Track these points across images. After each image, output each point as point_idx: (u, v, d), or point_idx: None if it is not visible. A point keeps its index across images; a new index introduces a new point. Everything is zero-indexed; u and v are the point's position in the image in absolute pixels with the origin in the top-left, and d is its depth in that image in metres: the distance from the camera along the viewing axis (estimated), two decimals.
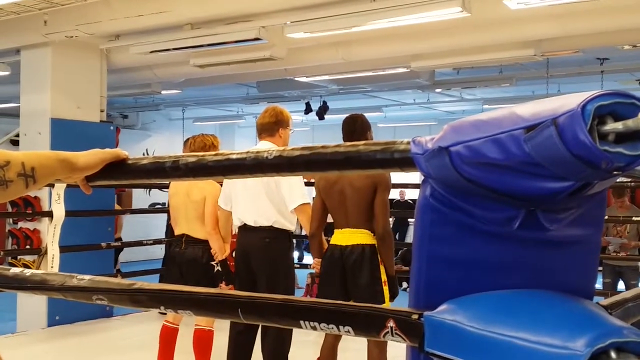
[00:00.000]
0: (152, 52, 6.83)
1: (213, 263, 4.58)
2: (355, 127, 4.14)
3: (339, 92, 11.09)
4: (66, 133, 6.95)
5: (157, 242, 7.96)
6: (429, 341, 1.14)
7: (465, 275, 1.18)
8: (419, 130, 14.54)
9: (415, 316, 1.18)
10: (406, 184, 7.87)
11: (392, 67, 8.08)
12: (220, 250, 4.54)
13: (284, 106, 4.49)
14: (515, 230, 1.13)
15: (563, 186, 1.01)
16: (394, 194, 12.83)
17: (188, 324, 4.73)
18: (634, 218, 6.76)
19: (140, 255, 11.68)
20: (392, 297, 4.06)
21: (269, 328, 4.07)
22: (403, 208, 13.13)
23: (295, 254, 12.02)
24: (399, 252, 9.91)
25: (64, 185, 5.38)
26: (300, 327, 1.34)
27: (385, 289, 3.99)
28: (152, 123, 15.52)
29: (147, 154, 13.33)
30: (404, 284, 8.38)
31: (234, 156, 1.44)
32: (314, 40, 6.59)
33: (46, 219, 6.36)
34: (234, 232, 4.62)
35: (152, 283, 1.66)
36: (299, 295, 8.36)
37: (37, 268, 5.96)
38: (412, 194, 13.03)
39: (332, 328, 1.29)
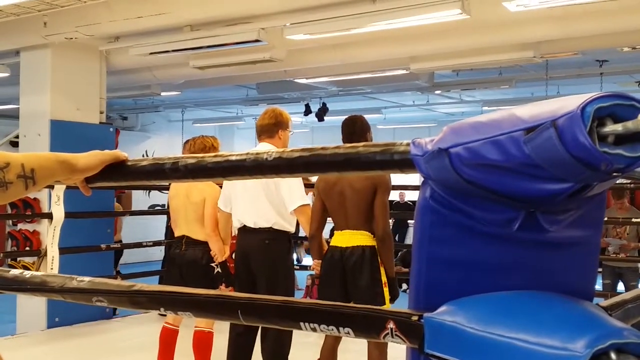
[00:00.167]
0: (151, 53, 6.83)
1: (213, 265, 4.58)
2: (355, 128, 4.14)
3: (339, 94, 11.10)
4: (66, 134, 6.95)
5: (156, 243, 7.96)
6: (429, 342, 1.15)
7: (465, 277, 1.18)
8: (418, 132, 14.55)
9: (415, 317, 1.18)
10: (406, 186, 7.87)
11: (392, 68, 8.08)
12: (220, 251, 4.54)
13: (283, 108, 4.49)
14: (514, 232, 1.13)
15: (562, 188, 1.01)
16: (394, 196, 12.83)
17: (188, 325, 4.73)
18: (633, 219, 6.76)
19: (139, 257, 11.67)
20: (393, 299, 4.06)
21: (269, 330, 4.07)
22: (403, 209, 13.13)
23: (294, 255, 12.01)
24: (399, 254, 9.90)
25: (64, 186, 5.38)
26: (300, 328, 1.34)
27: (386, 290, 3.99)
28: (152, 125, 15.52)
29: (147, 156, 13.34)
30: (404, 285, 8.37)
31: (234, 158, 1.44)
32: (313, 42, 6.60)
33: (46, 221, 6.36)
34: (233, 234, 4.62)
35: (151, 285, 1.66)
36: (298, 296, 8.36)
37: (37, 270, 5.96)
38: (412, 196, 13.03)
39: (332, 329, 1.29)
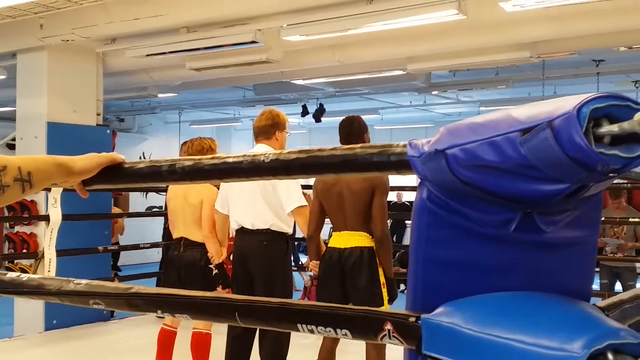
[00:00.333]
0: (148, 55, 6.83)
1: (211, 266, 4.57)
2: (353, 129, 4.14)
3: (336, 95, 11.11)
4: (63, 137, 6.95)
5: (154, 245, 7.94)
6: (427, 344, 1.15)
7: (462, 278, 1.18)
8: (415, 133, 14.56)
9: (412, 319, 1.18)
10: (403, 187, 7.88)
11: (389, 69, 8.09)
12: (217, 253, 4.54)
13: (280, 109, 4.49)
14: (511, 233, 1.13)
15: (559, 188, 1.02)
16: (392, 196, 12.85)
17: (186, 327, 4.73)
18: (630, 219, 6.77)
19: (136, 259, 11.66)
20: (391, 300, 4.06)
21: (267, 331, 4.07)
22: (400, 210, 13.14)
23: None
24: (397, 254, 9.90)
25: (61, 189, 5.38)
26: (298, 330, 1.34)
27: (384, 291, 3.99)
28: (149, 126, 15.51)
29: (144, 157, 13.35)
30: (402, 286, 8.37)
31: (231, 159, 1.44)
32: (310, 43, 6.60)
33: (43, 223, 6.35)
34: (231, 235, 4.62)
35: (149, 287, 1.66)
36: (296, 298, 8.36)
37: (34, 272, 5.95)
38: (410, 196, 13.03)
39: (330, 331, 1.29)
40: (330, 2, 5.51)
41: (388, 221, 4.20)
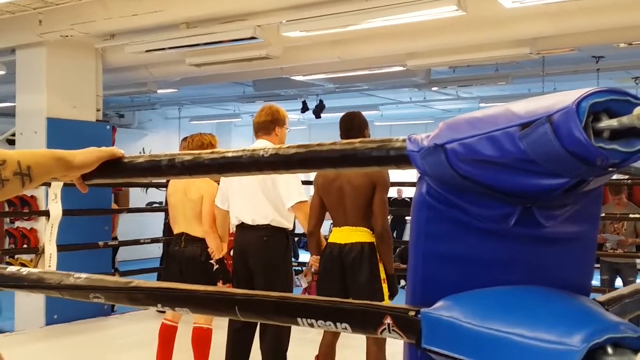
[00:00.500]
0: (147, 51, 6.82)
1: (212, 261, 4.58)
2: (353, 125, 4.14)
3: (335, 91, 11.10)
4: (62, 132, 6.94)
5: (154, 240, 7.95)
6: (426, 338, 1.15)
7: (462, 272, 1.18)
8: (415, 129, 14.51)
9: (412, 313, 1.18)
10: (403, 183, 7.87)
11: (388, 65, 8.08)
12: (217, 249, 4.54)
13: (280, 105, 4.49)
14: (511, 227, 1.13)
15: (558, 183, 1.02)
16: (392, 192, 12.83)
17: (187, 322, 4.73)
18: (631, 215, 6.77)
19: (135, 254, 11.66)
20: (392, 295, 4.06)
21: (268, 326, 4.07)
22: (400, 206, 13.14)
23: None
24: (397, 250, 9.91)
25: (61, 184, 5.38)
26: (298, 324, 1.34)
27: (385, 286, 3.99)
28: (149, 122, 15.51)
29: (144, 153, 13.32)
30: (402, 282, 8.38)
31: (230, 154, 1.44)
32: (309, 39, 6.59)
33: (43, 218, 6.35)
34: (231, 231, 4.62)
35: (149, 281, 1.66)
36: (297, 293, 8.34)
37: (35, 267, 5.95)
38: (410, 192, 13.03)
39: (329, 325, 1.29)
40: None
41: (388, 217, 4.20)
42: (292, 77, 9.47)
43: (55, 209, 5.80)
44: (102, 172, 1.57)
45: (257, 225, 4.15)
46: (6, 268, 1.85)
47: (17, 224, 7.28)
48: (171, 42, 6.55)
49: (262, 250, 4.14)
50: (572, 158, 0.95)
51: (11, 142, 8.62)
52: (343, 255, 3.99)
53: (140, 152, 13.40)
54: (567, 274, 1.22)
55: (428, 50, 7.05)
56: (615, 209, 6.98)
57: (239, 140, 16.46)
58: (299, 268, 8.12)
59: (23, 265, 6.51)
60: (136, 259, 11.43)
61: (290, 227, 4.30)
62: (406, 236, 13.02)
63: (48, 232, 5.86)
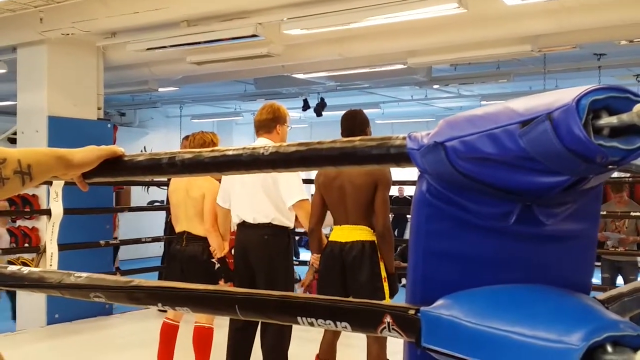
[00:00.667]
0: (148, 49, 6.82)
1: (213, 260, 4.58)
2: (355, 123, 4.14)
3: (337, 89, 11.09)
4: (63, 131, 6.95)
5: (155, 239, 7.95)
6: (426, 336, 1.15)
7: (462, 270, 1.18)
8: (416, 127, 14.53)
9: (412, 311, 1.18)
10: (405, 181, 7.87)
11: (389, 63, 8.08)
12: (219, 247, 4.54)
13: (281, 103, 4.49)
14: (511, 225, 1.13)
15: (558, 181, 1.01)
16: (393, 191, 12.82)
17: (188, 321, 4.73)
18: (632, 213, 6.76)
19: (136, 253, 11.67)
20: (392, 294, 4.06)
21: (269, 324, 4.07)
22: (402, 204, 13.13)
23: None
24: (398, 249, 9.91)
25: (62, 183, 5.39)
26: (298, 323, 1.34)
27: (385, 285, 3.99)
28: (150, 120, 15.50)
29: (145, 152, 13.33)
30: (403, 280, 8.38)
31: (230, 152, 1.44)
32: (311, 37, 6.59)
33: (44, 217, 6.36)
34: (232, 229, 4.62)
35: (149, 280, 1.66)
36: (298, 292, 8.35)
37: (36, 266, 5.96)
38: (411, 191, 12.98)
39: (329, 324, 1.29)
40: None
41: (390, 215, 4.20)
42: (294, 75, 9.47)
43: (57, 207, 5.81)
44: (103, 171, 1.57)
45: (259, 223, 4.15)
46: (7, 267, 1.85)
47: (19, 222, 7.29)
48: (172, 40, 6.55)
49: (263, 248, 4.14)
50: (572, 156, 0.95)
51: (12, 141, 8.62)
52: (344, 254, 3.99)
53: (141, 151, 13.40)
54: (567, 272, 1.21)
55: (429, 48, 7.04)
56: (616, 207, 6.97)
57: (240, 138, 16.45)
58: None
59: (25, 264, 6.52)
60: (138, 258, 11.44)
61: (292, 225, 4.29)
62: (407, 234, 12.97)
63: (49, 231, 5.87)
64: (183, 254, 4.63)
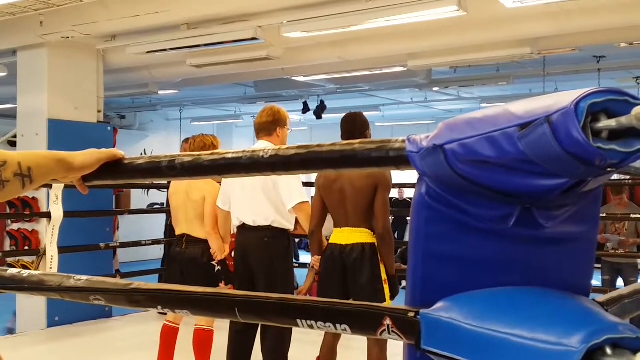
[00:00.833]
0: (148, 52, 6.83)
1: (213, 263, 4.58)
2: (355, 125, 4.14)
3: (337, 92, 11.09)
4: (63, 134, 6.95)
5: (155, 242, 7.95)
6: (426, 339, 1.15)
7: (461, 273, 1.18)
8: (416, 129, 14.49)
9: (411, 314, 1.18)
10: (404, 184, 7.86)
11: (389, 66, 8.08)
12: (220, 250, 4.54)
13: (281, 106, 4.49)
14: (510, 228, 1.13)
15: (557, 183, 1.02)
16: (393, 193, 12.81)
17: (188, 323, 4.73)
18: (632, 215, 6.76)
19: (136, 256, 11.66)
20: (393, 296, 4.06)
21: (269, 327, 4.07)
22: (402, 207, 13.12)
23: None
24: (398, 251, 9.90)
25: (62, 186, 5.39)
26: (297, 325, 1.34)
27: (386, 287, 3.99)
28: (150, 123, 15.50)
29: (145, 154, 13.34)
30: (403, 282, 8.37)
31: (230, 155, 1.44)
32: (310, 40, 6.59)
33: (44, 220, 6.36)
34: (233, 232, 4.62)
35: (149, 283, 1.66)
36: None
37: (36, 269, 5.96)
38: (411, 193, 12.97)
39: (329, 326, 1.29)
40: None
41: (390, 218, 4.20)
42: (293, 78, 9.47)
43: (57, 210, 5.81)
44: (103, 174, 1.58)
45: (258, 226, 4.15)
46: (7, 270, 1.85)
47: (19, 225, 7.29)
48: (172, 43, 6.55)
49: (263, 251, 4.14)
50: (571, 158, 0.95)
51: (12, 144, 8.62)
52: (344, 256, 3.99)
53: (141, 154, 13.41)
54: (567, 274, 1.21)
55: (429, 50, 7.05)
56: (616, 209, 6.97)
57: (240, 141, 16.45)
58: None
59: (25, 267, 6.52)
60: (138, 261, 11.43)
61: (292, 228, 4.29)
62: (407, 237, 12.97)
63: (49, 234, 5.87)
64: (183, 257, 4.64)
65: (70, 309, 6.61)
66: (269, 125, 4.22)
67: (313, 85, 10.46)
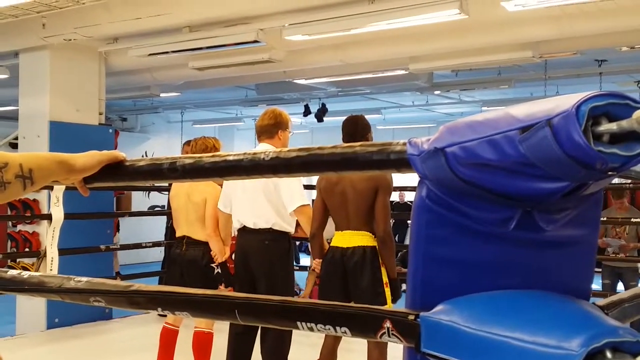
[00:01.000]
0: (150, 54, 6.83)
1: (213, 265, 4.58)
2: (357, 128, 4.14)
3: (338, 95, 11.09)
4: (65, 136, 6.95)
5: (156, 244, 7.95)
6: (426, 342, 1.15)
7: (462, 276, 1.18)
8: (417, 133, 14.53)
9: (411, 317, 1.18)
10: (405, 187, 7.87)
11: (391, 69, 8.08)
12: (220, 252, 4.54)
13: (283, 108, 4.49)
14: (511, 231, 1.13)
15: (558, 187, 1.02)
16: (394, 196, 12.81)
17: (188, 326, 4.73)
18: (633, 219, 6.76)
19: (136, 258, 11.66)
20: (394, 299, 4.06)
21: (269, 329, 4.07)
22: (402, 210, 13.12)
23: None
24: (399, 254, 9.89)
25: (63, 187, 5.39)
26: (297, 328, 1.34)
27: (387, 290, 3.99)
28: (151, 126, 15.51)
29: (146, 157, 13.35)
30: (403, 286, 8.36)
31: (231, 157, 1.45)
32: (312, 43, 6.59)
33: (45, 222, 6.36)
34: (233, 234, 4.62)
35: (149, 285, 1.66)
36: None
37: (36, 271, 5.96)
38: (412, 196, 12.96)
39: (329, 329, 1.29)
40: (332, 1, 5.51)
41: (390, 221, 4.20)
42: (295, 81, 9.47)
43: (57, 212, 5.81)
44: (104, 176, 1.58)
45: (259, 228, 4.15)
46: (7, 272, 1.85)
47: (19, 227, 7.29)
48: (174, 45, 6.56)
49: (264, 253, 4.14)
50: (572, 162, 0.95)
51: (14, 146, 8.63)
52: (345, 259, 3.99)
53: (142, 156, 13.40)
54: (567, 278, 1.21)
55: (430, 53, 7.05)
56: (617, 213, 6.97)
57: (242, 144, 16.45)
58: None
59: (25, 269, 6.52)
60: (138, 263, 11.43)
61: (292, 231, 4.29)
62: (408, 240, 12.96)
63: (50, 236, 5.87)
64: (183, 258, 4.64)
65: (70, 310, 6.61)
66: (271, 128, 4.22)
67: (314, 88, 10.46)
